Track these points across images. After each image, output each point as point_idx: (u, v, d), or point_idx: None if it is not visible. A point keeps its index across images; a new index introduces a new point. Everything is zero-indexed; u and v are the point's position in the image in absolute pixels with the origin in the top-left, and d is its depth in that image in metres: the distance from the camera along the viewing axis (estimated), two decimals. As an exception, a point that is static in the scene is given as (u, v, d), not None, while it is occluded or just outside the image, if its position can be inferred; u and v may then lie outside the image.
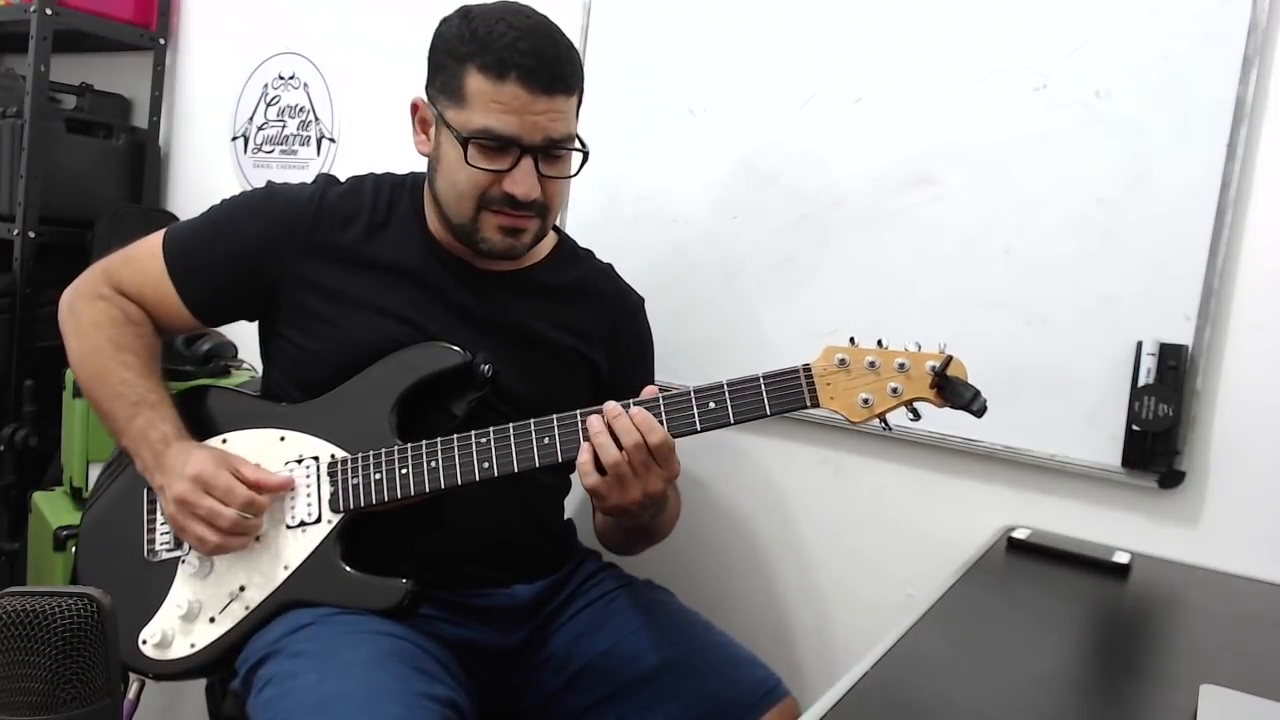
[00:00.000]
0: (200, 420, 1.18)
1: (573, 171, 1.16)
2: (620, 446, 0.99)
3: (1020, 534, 1.23)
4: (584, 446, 1.02)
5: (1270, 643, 1.01)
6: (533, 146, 1.09)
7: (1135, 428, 1.23)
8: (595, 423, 1.02)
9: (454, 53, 1.10)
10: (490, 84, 1.07)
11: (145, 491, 1.17)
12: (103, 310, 1.20)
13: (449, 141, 1.12)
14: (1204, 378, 1.22)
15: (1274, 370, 1.19)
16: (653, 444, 1.00)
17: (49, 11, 2.11)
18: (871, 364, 1.00)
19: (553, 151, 1.12)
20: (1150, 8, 1.23)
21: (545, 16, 1.13)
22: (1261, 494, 1.20)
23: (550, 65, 1.08)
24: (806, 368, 1.02)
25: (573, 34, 1.20)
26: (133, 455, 1.14)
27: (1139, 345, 1.23)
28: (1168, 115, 1.23)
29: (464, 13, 1.12)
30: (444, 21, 1.14)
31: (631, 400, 1.03)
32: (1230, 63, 1.19)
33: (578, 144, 1.15)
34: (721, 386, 1.02)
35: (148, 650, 1.11)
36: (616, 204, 1.63)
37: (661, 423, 1.01)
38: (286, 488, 1.11)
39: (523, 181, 1.10)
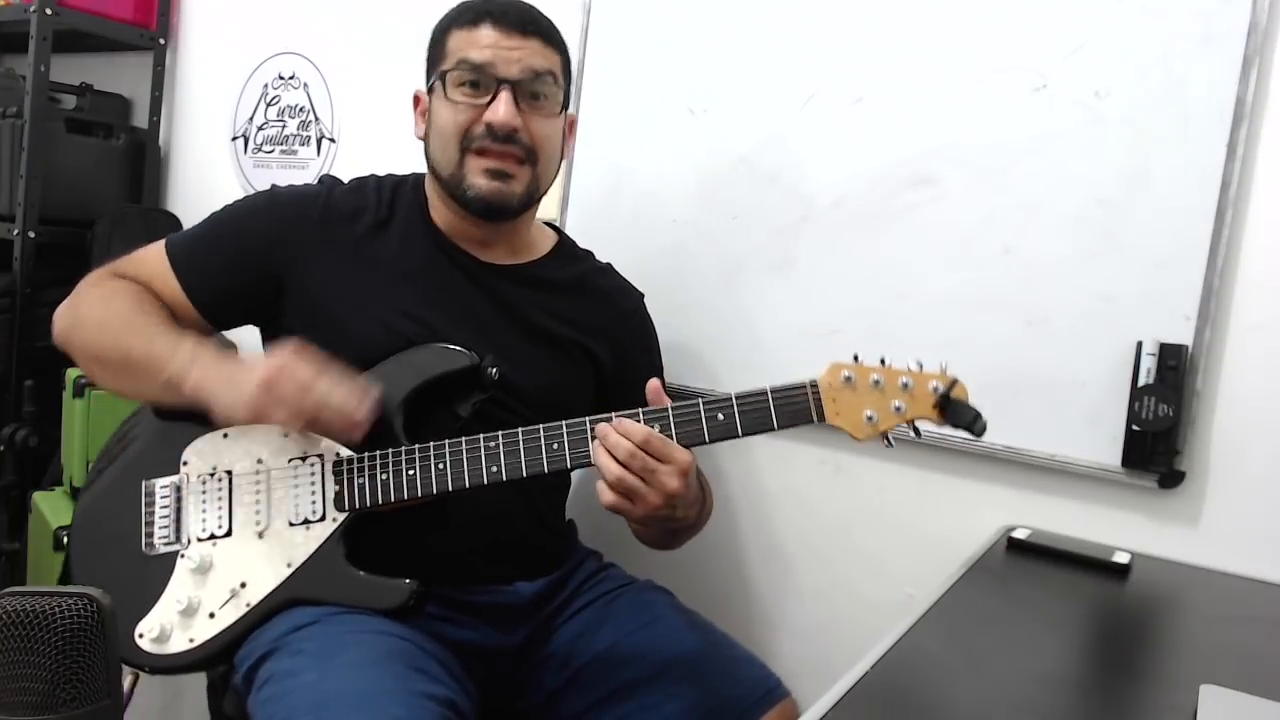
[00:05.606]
0: (202, 415, 1.17)
1: (557, 111, 1.18)
2: (616, 459, 0.99)
3: (1020, 534, 1.23)
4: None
5: (1270, 643, 1.01)
6: (509, 79, 1.12)
7: (1135, 428, 1.23)
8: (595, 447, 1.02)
9: (440, 29, 1.19)
10: (467, 33, 1.16)
11: (142, 483, 1.15)
12: (116, 286, 1.18)
13: (438, 100, 1.17)
14: (1204, 378, 1.22)
15: (1274, 370, 1.19)
16: (638, 442, 0.99)
17: (49, 11, 2.11)
18: (876, 382, 1.00)
19: (533, 89, 1.14)
20: (1150, 8, 1.23)
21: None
22: (1261, 494, 1.20)
23: (522, 13, 1.15)
24: (814, 384, 1.01)
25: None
26: (180, 378, 1.07)
27: (1139, 345, 1.23)
28: (1168, 115, 1.23)
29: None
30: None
31: (640, 410, 1.03)
32: (1230, 63, 1.19)
33: (560, 85, 1.18)
34: (730, 400, 1.02)
35: (144, 644, 1.09)
36: (616, 203, 1.63)
37: (671, 435, 1.01)
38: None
39: (501, 109, 1.12)
